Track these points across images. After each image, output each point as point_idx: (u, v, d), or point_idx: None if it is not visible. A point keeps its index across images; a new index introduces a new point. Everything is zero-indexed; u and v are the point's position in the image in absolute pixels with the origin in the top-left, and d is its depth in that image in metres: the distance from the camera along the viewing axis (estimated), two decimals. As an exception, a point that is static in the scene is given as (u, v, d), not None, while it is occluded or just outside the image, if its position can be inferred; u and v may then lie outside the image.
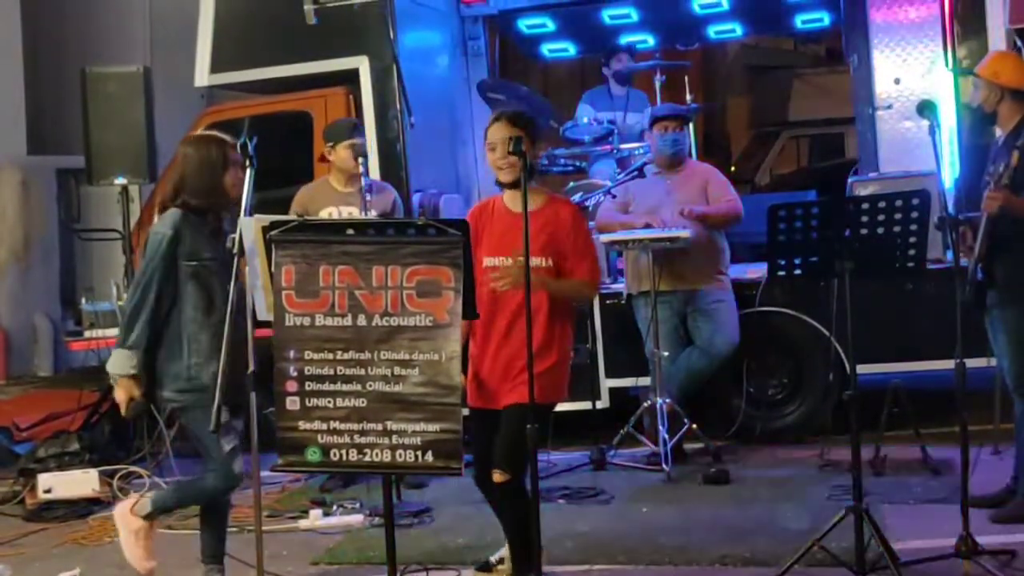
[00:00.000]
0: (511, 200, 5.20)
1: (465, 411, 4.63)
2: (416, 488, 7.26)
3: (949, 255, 7.28)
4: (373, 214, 6.95)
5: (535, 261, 4.95)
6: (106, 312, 8.14)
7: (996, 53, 6.26)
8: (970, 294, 5.72)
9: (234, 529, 5.66)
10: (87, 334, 8.15)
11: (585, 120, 9.55)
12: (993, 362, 7.16)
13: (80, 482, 7.46)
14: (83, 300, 8.32)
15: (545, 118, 8.80)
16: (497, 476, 5.03)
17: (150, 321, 5.22)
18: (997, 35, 7.36)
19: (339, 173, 7.25)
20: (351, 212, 7.09)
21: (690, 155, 8.38)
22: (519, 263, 4.80)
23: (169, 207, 5.34)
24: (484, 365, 5.17)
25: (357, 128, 7.36)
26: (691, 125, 8.94)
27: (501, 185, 5.22)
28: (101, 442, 8.24)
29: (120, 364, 5.22)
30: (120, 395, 5.27)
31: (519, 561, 5.17)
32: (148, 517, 5.46)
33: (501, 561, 5.49)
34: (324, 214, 7.10)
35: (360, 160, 7.03)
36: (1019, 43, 7.28)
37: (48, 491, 7.40)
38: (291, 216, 6.71)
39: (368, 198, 6.96)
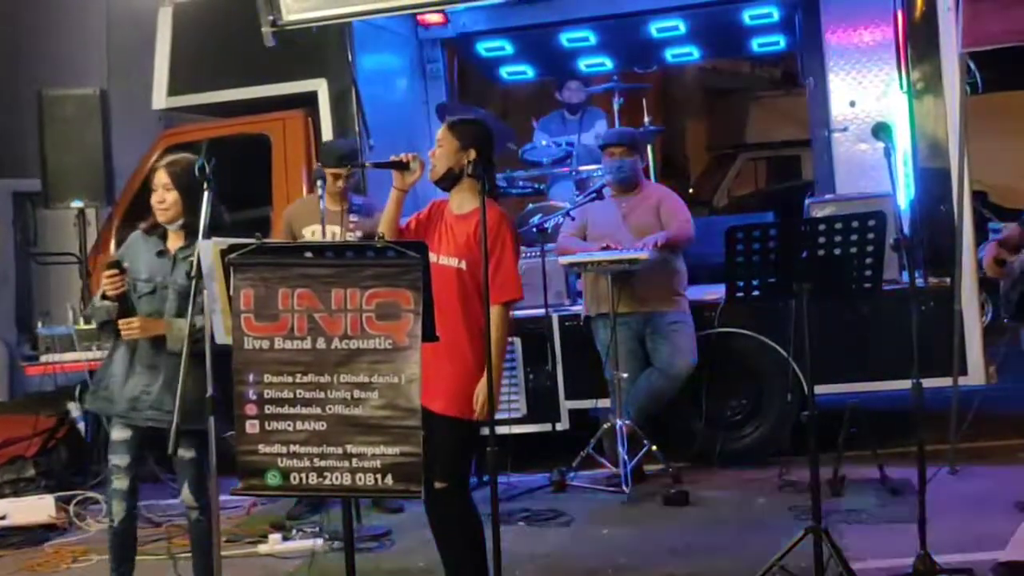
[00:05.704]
0: (451, 199, 5.27)
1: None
2: (394, 512, 7.23)
3: (904, 276, 7.35)
4: (359, 235, 6.92)
5: (450, 261, 5.08)
6: (63, 336, 8.07)
7: None
8: (1012, 301, 5.75)
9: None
10: (43, 359, 8.07)
11: (544, 143, 9.60)
12: (949, 382, 7.25)
13: (36, 508, 7.39)
14: (39, 324, 8.24)
15: (503, 140, 8.81)
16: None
17: None
18: (950, 58, 7.44)
19: (327, 192, 7.19)
20: (335, 231, 7.06)
21: (648, 177, 8.41)
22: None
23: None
24: None
25: (345, 159, 7.17)
26: (649, 147, 8.99)
27: None
28: (57, 468, 8.18)
29: None
30: None
31: None
32: None
33: None
34: (307, 231, 7.10)
35: (319, 183, 6.99)
36: (971, 66, 7.36)
37: (3, 518, 7.33)
38: (280, 235, 6.72)
39: (355, 219, 6.94)
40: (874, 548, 5.86)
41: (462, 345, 5.04)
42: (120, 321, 5.14)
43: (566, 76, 9.91)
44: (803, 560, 5.21)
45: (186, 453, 5.19)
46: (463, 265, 5.08)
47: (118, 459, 5.31)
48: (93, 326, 7.98)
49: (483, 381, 4.97)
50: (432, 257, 5.07)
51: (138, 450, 5.32)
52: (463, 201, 5.18)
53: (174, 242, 5.31)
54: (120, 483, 5.31)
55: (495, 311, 4.98)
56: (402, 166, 5.19)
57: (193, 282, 4.71)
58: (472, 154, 5.13)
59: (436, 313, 4.72)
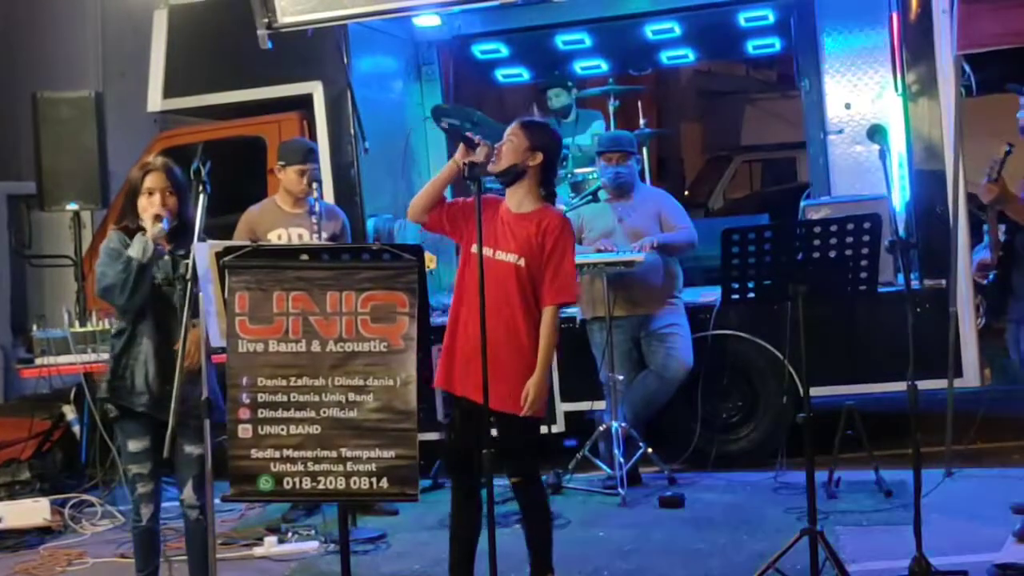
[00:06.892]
0: (508, 197, 5.27)
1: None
2: (390, 515, 7.22)
3: (899, 278, 7.35)
4: (324, 236, 6.89)
5: (508, 257, 5.09)
6: (58, 339, 8.04)
7: None
8: (991, 301, 5.74)
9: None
10: (38, 361, 8.04)
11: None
12: (944, 384, 7.24)
13: (31, 511, 7.37)
14: (34, 327, 8.22)
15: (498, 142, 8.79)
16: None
17: None
18: (945, 61, 7.45)
19: (286, 194, 7.16)
20: (301, 234, 7.03)
21: (643, 180, 8.41)
22: None
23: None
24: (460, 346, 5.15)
25: (312, 153, 7.23)
26: (644, 150, 8.98)
27: None
28: (52, 471, 8.16)
29: None
30: None
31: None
32: None
33: None
34: (273, 235, 7.03)
35: (315, 186, 6.99)
36: (966, 69, 7.37)
37: (-2, 520, 7.32)
38: (241, 240, 6.68)
39: (318, 220, 6.91)
40: (870, 550, 5.86)
41: (521, 339, 5.05)
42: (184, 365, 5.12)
43: (552, 84, 9.89)
44: (799, 562, 5.21)
45: (194, 450, 5.16)
46: (521, 262, 5.09)
47: (140, 468, 5.25)
48: (88, 327, 7.97)
49: (532, 379, 5.03)
50: (488, 252, 5.08)
51: (157, 454, 5.26)
52: (522, 201, 5.20)
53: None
54: (145, 488, 5.28)
55: (550, 311, 5.08)
56: (471, 143, 5.15)
57: (189, 284, 4.70)
58: (539, 157, 5.18)
59: (493, 308, 4.75)
